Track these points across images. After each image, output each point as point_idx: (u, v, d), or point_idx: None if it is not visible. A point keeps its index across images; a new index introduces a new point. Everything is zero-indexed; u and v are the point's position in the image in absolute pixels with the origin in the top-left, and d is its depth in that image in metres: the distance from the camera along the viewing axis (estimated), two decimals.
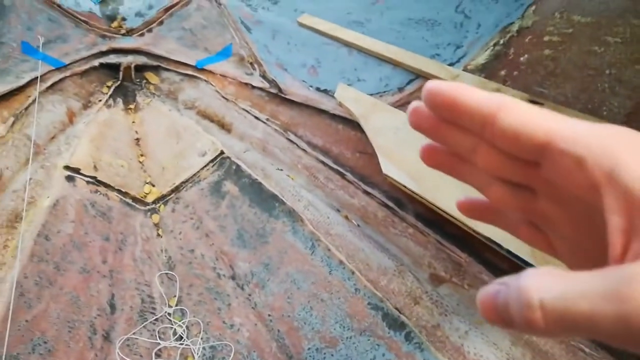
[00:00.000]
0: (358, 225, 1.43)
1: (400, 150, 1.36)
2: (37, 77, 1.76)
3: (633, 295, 0.16)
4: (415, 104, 0.26)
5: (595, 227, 0.21)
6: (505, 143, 0.23)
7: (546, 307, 0.18)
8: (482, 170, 0.26)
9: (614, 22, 1.37)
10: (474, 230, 1.10)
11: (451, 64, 1.57)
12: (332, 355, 1.17)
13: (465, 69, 1.54)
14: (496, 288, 0.21)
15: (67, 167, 1.58)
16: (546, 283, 0.18)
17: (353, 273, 1.28)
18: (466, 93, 0.23)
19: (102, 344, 1.21)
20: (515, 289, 0.19)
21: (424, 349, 1.08)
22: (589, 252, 0.24)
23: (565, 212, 0.24)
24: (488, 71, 1.51)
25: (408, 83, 1.59)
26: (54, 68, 1.87)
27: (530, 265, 1.00)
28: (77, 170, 1.59)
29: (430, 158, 0.29)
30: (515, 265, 1.05)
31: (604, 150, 0.19)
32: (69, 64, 1.94)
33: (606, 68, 1.33)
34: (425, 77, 1.55)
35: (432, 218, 1.31)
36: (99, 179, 1.63)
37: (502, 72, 1.49)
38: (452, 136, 0.26)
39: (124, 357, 1.21)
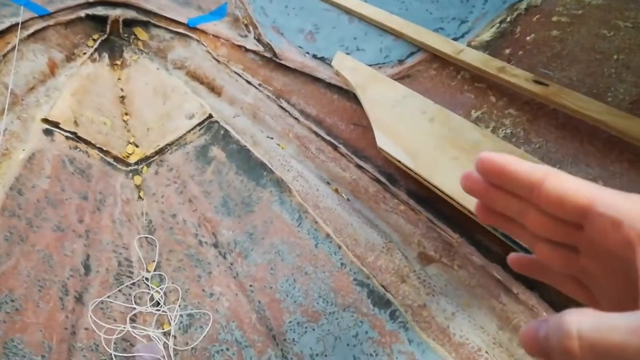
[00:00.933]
0: (348, 200, 1.38)
1: (396, 125, 1.30)
2: (18, 24, 1.65)
3: None
4: (467, 171, 0.30)
5: (631, 281, 0.23)
6: (550, 206, 0.26)
7: (583, 336, 0.20)
8: (530, 230, 0.29)
9: (626, 6, 1.32)
10: (469, 211, 1.06)
11: (455, 39, 1.51)
12: (314, 329, 1.13)
13: (469, 45, 1.48)
14: (538, 323, 0.24)
15: (45, 120, 1.50)
16: (584, 318, 0.21)
17: (340, 248, 1.24)
18: (516, 163, 0.27)
19: (73, 306, 1.16)
20: (556, 321, 0.22)
21: (409, 329, 1.05)
22: (625, 304, 0.26)
23: (605, 268, 0.27)
24: (492, 49, 1.45)
25: (409, 55, 1.53)
26: (36, 15, 1.76)
27: (525, 249, 0.97)
28: (56, 124, 1.51)
29: (485, 217, 0.33)
30: (508, 248, 1.02)
31: (638, 214, 0.22)
32: (53, 13, 1.83)
33: (614, 53, 1.29)
34: (428, 50, 1.49)
35: (424, 196, 1.27)
36: (79, 134, 1.55)
37: (507, 51, 1.43)
38: (503, 200, 0.30)
39: (96, 319, 1.16)
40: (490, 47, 1.47)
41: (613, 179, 1.12)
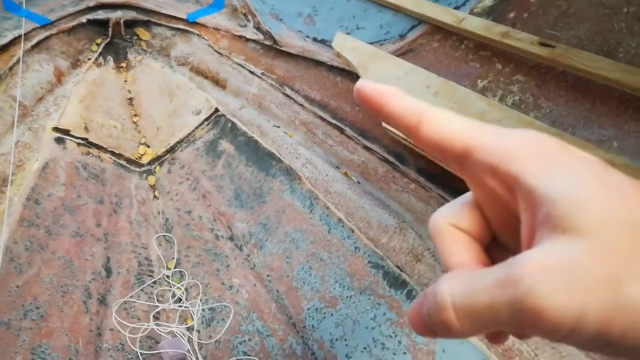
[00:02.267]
0: (358, 182, 1.37)
1: None
2: (21, 36, 1.67)
3: (521, 277, 0.17)
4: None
5: (515, 223, 0.22)
6: (429, 150, 0.24)
7: (457, 306, 0.19)
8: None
9: None
10: None
11: (457, 8, 1.46)
12: (332, 315, 1.14)
13: (471, 13, 1.43)
14: (421, 299, 0.22)
15: (56, 129, 1.52)
16: (456, 284, 0.20)
17: (353, 231, 1.23)
18: (390, 102, 0.24)
19: (97, 308, 1.19)
20: (432, 293, 0.21)
21: None
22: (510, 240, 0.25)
23: (492, 208, 0.24)
24: (496, 14, 1.40)
25: (410, 30, 1.49)
26: (38, 25, 1.78)
27: None
28: (66, 132, 1.53)
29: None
30: None
31: (513, 157, 0.21)
32: (54, 21, 1.85)
33: (624, 5, 1.23)
34: (429, 22, 1.45)
35: (435, 172, 1.25)
36: (90, 140, 1.58)
37: (511, 15, 1.38)
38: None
39: (120, 320, 1.19)
40: (493, 13, 1.42)
41: (629, 138, 1.08)
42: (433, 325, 0.21)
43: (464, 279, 0.20)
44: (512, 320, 0.18)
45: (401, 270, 1.12)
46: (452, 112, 0.23)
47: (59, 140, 1.51)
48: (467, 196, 0.26)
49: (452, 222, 0.25)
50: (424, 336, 0.23)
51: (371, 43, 1.50)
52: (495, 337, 0.27)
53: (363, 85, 0.25)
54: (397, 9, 1.53)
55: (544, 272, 0.17)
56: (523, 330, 0.18)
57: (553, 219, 0.18)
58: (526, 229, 0.20)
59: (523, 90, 1.25)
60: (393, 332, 1.05)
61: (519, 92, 1.26)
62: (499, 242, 0.26)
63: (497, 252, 0.26)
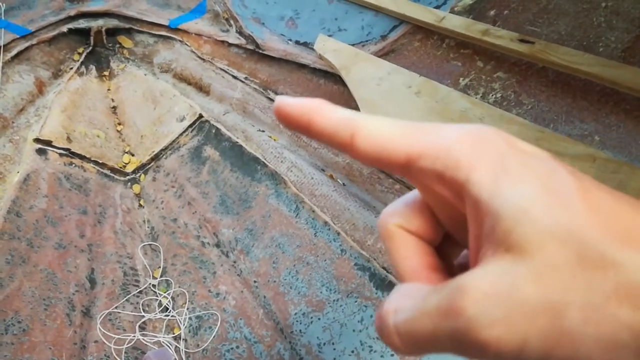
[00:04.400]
0: (343, 184, 1.37)
1: (383, 102, 1.27)
2: (0, 47, 1.66)
3: (463, 308, 0.16)
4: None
5: (464, 228, 0.21)
6: (369, 164, 0.22)
7: (400, 330, 0.19)
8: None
9: None
10: None
11: (437, 7, 1.46)
12: (319, 319, 1.13)
13: (452, 11, 1.43)
14: (378, 311, 0.21)
15: (37, 140, 1.50)
16: (400, 305, 0.19)
17: (339, 234, 1.22)
18: (316, 118, 0.22)
19: (81, 320, 1.17)
20: (378, 313, 0.20)
21: None
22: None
23: (441, 212, 0.23)
24: (477, 12, 1.40)
25: (391, 30, 1.49)
26: (18, 36, 1.77)
27: None
28: (48, 143, 1.52)
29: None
30: None
31: (458, 163, 0.19)
32: (34, 31, 1.83)
33: (602, 0, 1.23)
34: (410, 22, 1.45)
35: None
36: (73, 150, 1.56)
37: (492, 12, 1.38)
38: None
39: (105, 331, 1.18)
40: (474, 11, 1.42)
41: (610, 132, 1.08)
42: (389, 342, 0.20)
43: (408, 300, 0.19)
44: (455, 350, 0.17)
45: (387, 272, 1.11)
46: (385, 119, 0.21)
47: (40, 152, 1.49)
48: (415, 195, 0.24)
49: (401, 223, 0.23)
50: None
51: (353, 44, 1.50)
52: None
53: (282, 102, 0.23)
54: (378, 10, 1.53)
55: (484, 301, 0.16)
56: (468, 356, 0.17)
57: (496, 235, 0.17)
58: (473, 240, 0.19)
59: (505, 87, 1.25)
60: None
61: (500, 89, 1.25)
62: (451, 238, 0.24)
63: (450, 248, 0.25)
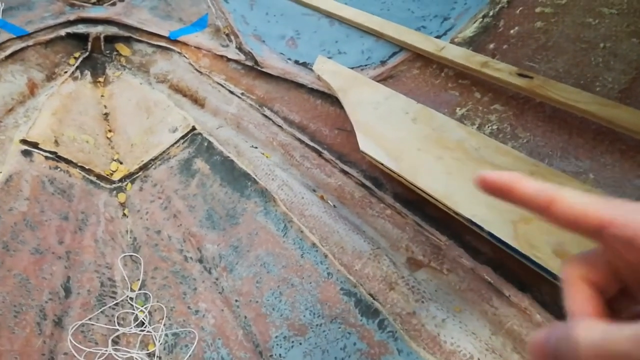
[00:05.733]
0: (334, 206, 1.34)
1: (379, 127, 1.26)
2: None
3: None
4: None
5: None
6: (563, 227, 0.27)
7: (590, 348, 0.21)
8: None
9: None
10: (454, 212, 1.02)
11: (438, 37, 1.47)
12: (301, 344, 1.09)
13: (452, 42, 1.44)
14: (547, 333, 0.24)
15: (23, 141, 1.47)
16: (592, 328, 0.22)
17: (326, 256, 1.19)
18: (519, 187, 0.28)
19: (52, 330, 1.12)
20: (565, 332, 0.23)
21: (398, 338, 1.00)
22: None
23: (631, 275, 0.26)
24: (476, 44, 1.41)
25: (391, 56, 1.49)
26: (14, 36, 1.75)
27: (513, 249, 0.92)
28: (35, 145, 1.48)
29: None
30: (497, 249, 0.97)
31: None
32: (32, 33, 1.81)
33: (600, 41, 1.25)
34: (410, 49, 1.45)
35: (411, 199, 1.23)
36: (59, 154, 1.52)
37: (491, 46, 1.39)
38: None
39: (76, 343, 1.12)
40: (474, 43, 1.43)
41: (604, 171, 1.07)
42: (559, 358, 0.23)
43: (600, 326, 0.22)
44: None
45: (374, 299, 1.08)
46: (579, 192, 0.26)
47: (25, 153, 1.45)
48: (598, 252, 0.28)
49: (583, 274, 0.27)
50: None
51: (352, 68, 1.50)
52: None
53: (487, 175, 0.29)
54: (379, 36, 1.54)
55: None
56: None
57: None
58: None
59: (501, 119, 1.25)
60: None
61: (497, 122, 1.25)
62: (626, 292, 0.28)
63: (620, 301, 0.28)
